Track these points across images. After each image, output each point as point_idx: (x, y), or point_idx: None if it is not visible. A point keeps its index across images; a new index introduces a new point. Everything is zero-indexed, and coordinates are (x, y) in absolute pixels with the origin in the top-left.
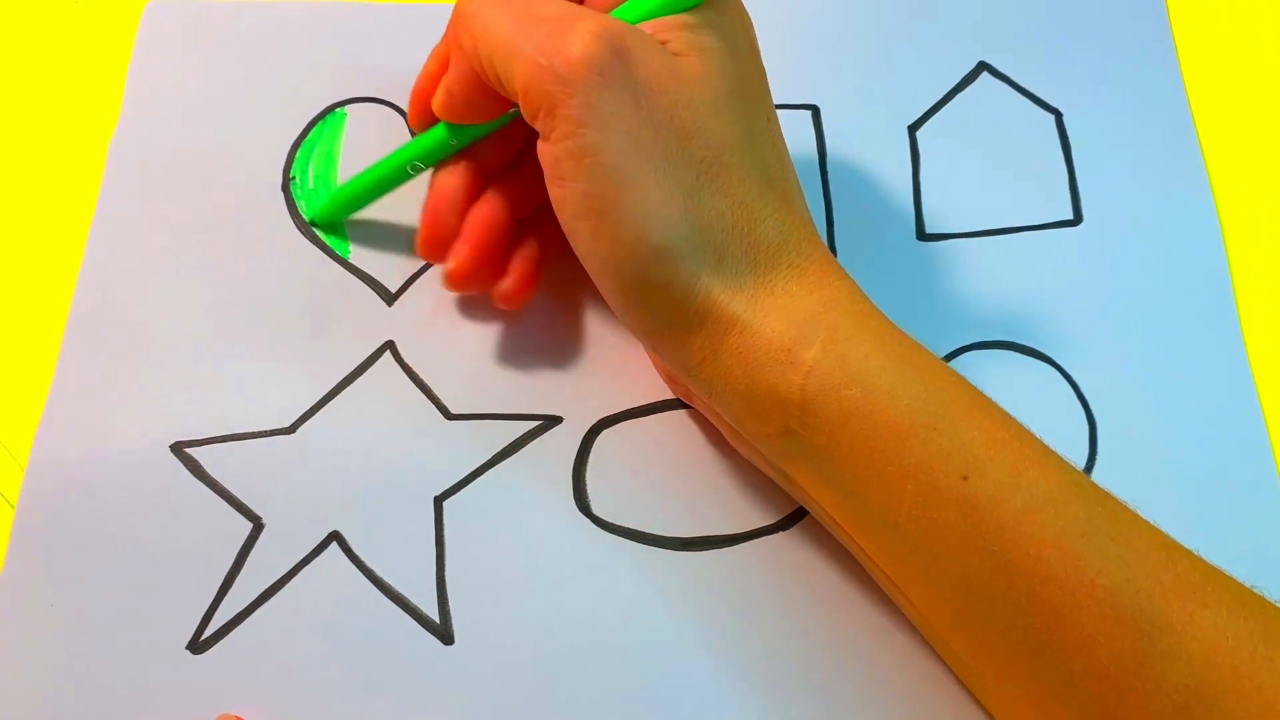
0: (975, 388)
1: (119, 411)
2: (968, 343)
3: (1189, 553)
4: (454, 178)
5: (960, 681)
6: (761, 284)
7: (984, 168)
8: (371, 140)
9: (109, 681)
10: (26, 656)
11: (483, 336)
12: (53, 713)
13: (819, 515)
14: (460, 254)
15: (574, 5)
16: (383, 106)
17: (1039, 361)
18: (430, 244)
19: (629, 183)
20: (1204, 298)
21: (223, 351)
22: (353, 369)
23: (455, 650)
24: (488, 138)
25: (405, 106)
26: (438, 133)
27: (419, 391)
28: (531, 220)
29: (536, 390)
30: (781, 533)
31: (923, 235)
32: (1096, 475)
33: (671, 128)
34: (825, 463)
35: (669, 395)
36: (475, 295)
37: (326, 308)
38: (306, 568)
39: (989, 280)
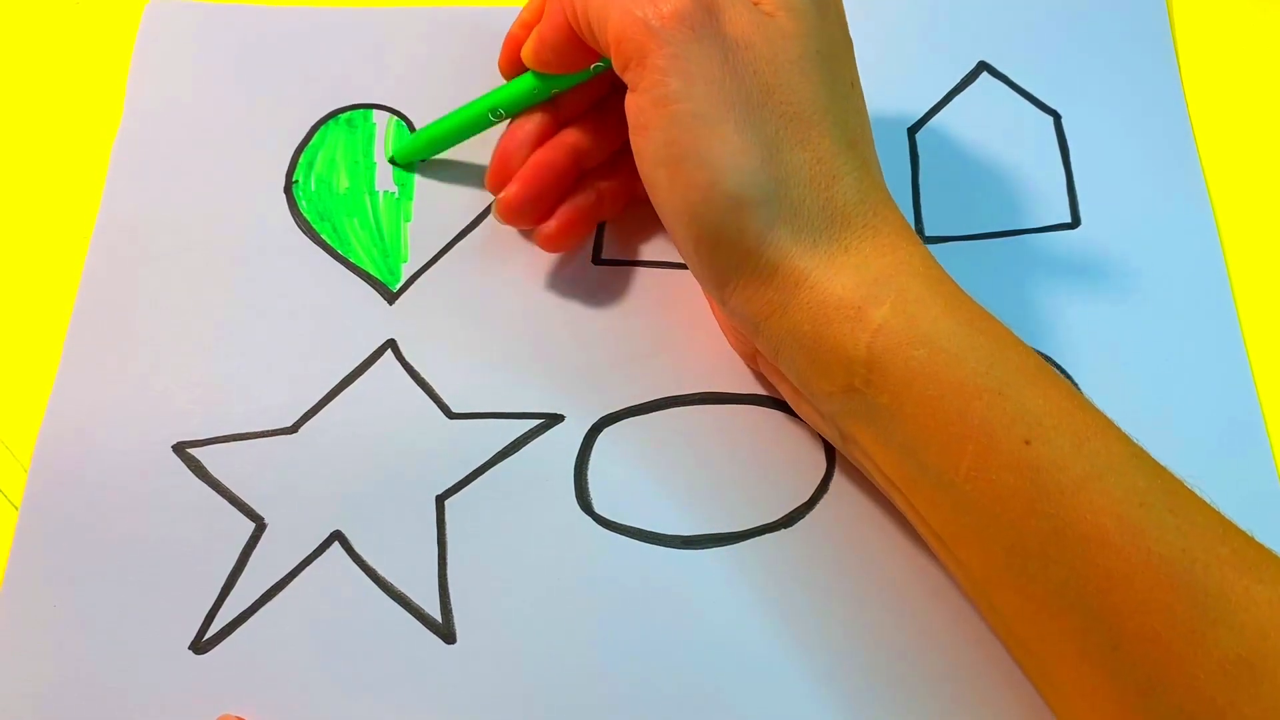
0: (1041, 358)
1: (121, 412)
2: None
3: (1243, 531)
4: (530, 120)
5: (964, 677)
6: (835, 241)
7: (983, 170)
8: (377, 146)
9: (111, 682)
10: (29, 656)
11: (484, 335)
12: (55, 712)
13: (872, 475)
14: (510, 189)
15: None
16: (388, 113)
17: None
18: (495, 177)
19: (709, 131)
20: (1202, 299)
21: (225, 351)
22: (354, 368)
23: (457, 649)
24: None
25: (408, 110)
26: (524, 82)
27: (420, 390)
28: (597, 175)
29: (538, 389)
30: (783, 530)
31: (922, 237)
32: None
33: (756, 81)
34: (887, 422)
35: (671, 393)
36: (476, 294)
37: (328, 307)
38: (309, 567)
39: (988, 282)
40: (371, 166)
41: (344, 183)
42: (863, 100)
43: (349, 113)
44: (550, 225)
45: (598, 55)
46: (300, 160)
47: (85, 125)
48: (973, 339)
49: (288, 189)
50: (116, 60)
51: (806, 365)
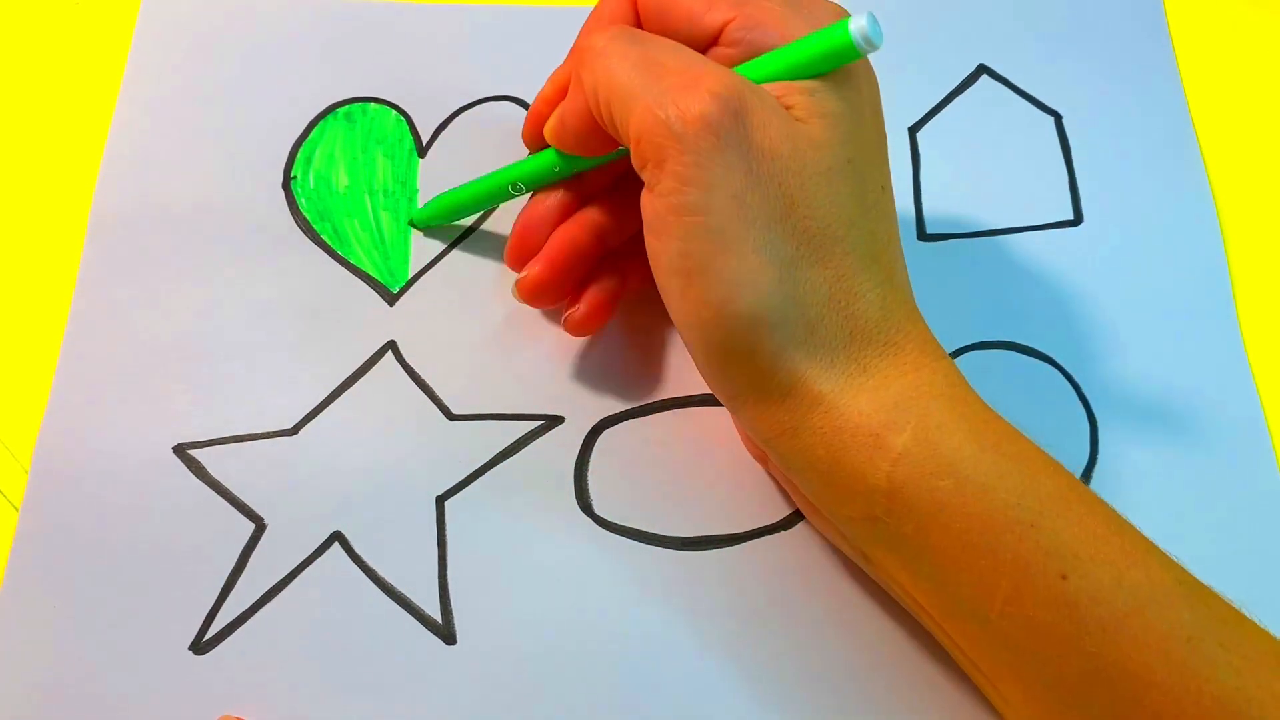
0: (1071, 475)
1: (121, 413)
2: (969, 343)
3: None
4: (552, 196)
5: (962, 680)
6: (854, 361)
7: (984, 169)
8: (375, 140)
9: (111, 682)
10: (30, 657)
11: (484, 337)
12: (55, 713)
13: (901, 598)
14: (533, 269)
15: (701, 58)
16: (386, 106)
17: (1040, 361)
18: (515, 254)
19: (726, 247)
20: (1204, 297)
21: (224, 353)
22: (354, 369)
23: (457, 650)
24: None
25: (407, 106)
26: (546, 157)
27: (420, 392)
28: (619, 253)
29: (538, 390)
30: (783, 532)
31: (923, 236)
32: (1097, 475)
33: (779, 195)
34: (913, 551)
35: (670, 394)
36: (476, 295)
37: (328, 308)
38: (309, 568)
39: (990, 281)
40: (371, 164)
41: (343, 180)
42: (893, 204)
43: (347, 106)
44: (580, 310)
45: (619, 143)
46: (299, 155)
47: (82, 120)
48: (1000, 466)
49: (286, 185)
50: (114, 53)
51: (822, 489)
